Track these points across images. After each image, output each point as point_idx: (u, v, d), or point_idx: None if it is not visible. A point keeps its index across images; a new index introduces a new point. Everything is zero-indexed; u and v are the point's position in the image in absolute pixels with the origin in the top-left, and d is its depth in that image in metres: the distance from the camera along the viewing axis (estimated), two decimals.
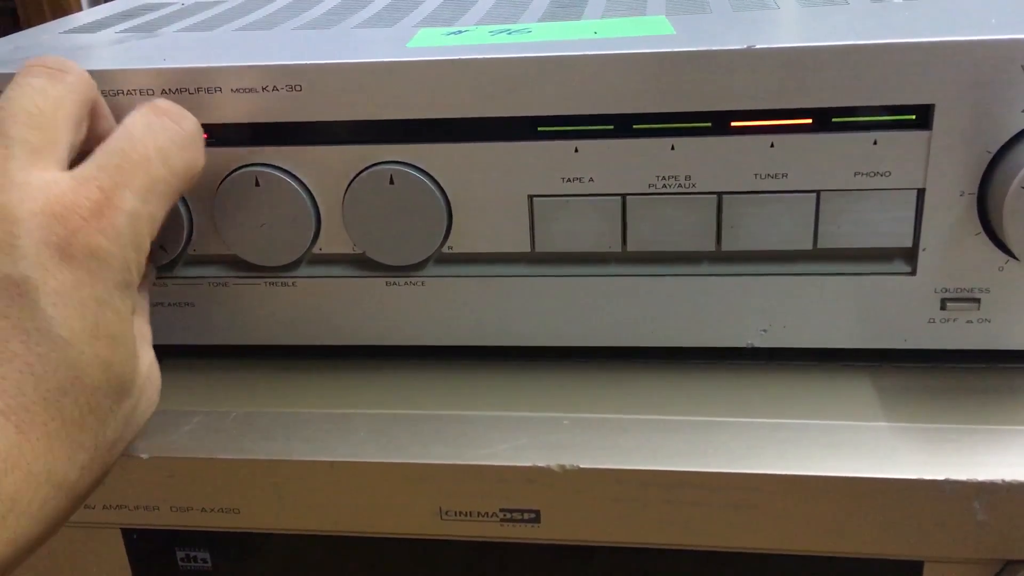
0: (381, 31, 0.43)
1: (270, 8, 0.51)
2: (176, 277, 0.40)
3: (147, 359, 0.33)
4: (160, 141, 0.32)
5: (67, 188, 0.29)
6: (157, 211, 0.31)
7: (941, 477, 0.31)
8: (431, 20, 0.45)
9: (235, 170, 0.37)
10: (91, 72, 0.37)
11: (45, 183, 0.29)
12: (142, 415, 0.32)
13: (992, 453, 0.32)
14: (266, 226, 0.38)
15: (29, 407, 0.27)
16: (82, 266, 0.28)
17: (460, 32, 0.41)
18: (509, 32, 0.40)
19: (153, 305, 0.40)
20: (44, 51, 0.42)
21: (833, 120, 0.34)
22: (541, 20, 0.44)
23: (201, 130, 0.34)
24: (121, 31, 0.47)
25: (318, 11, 0.49)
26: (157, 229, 0.32)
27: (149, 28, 0.47)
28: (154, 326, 0.40)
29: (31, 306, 0.27)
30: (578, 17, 0.44)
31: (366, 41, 0.41)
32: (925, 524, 0.32)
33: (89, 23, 0.50)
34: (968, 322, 0.36)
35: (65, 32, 0.47)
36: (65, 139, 0.31)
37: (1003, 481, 0.31)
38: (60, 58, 0.33)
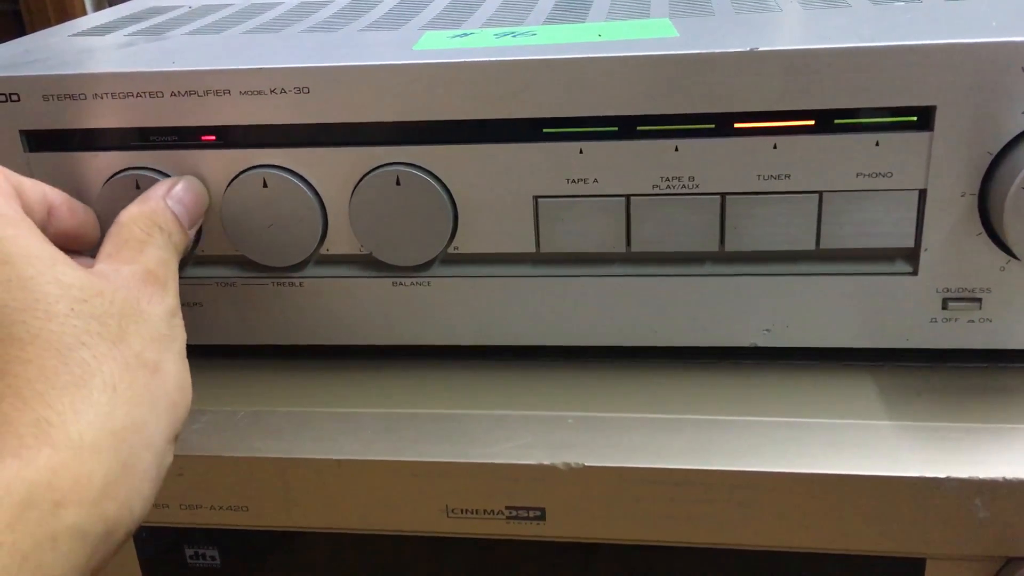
0: (387, 34, 0.43)
1: (277, 11, 0.52)
2: (185, 277, 0.40)
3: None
4: None
5: None
6: None
7: (943, 475, 0.32)
8: (437, 23, 0.46)
9: (243, 172, 0.38)
10: (102, 75, 0.37)
11: None
12: (137, 310, 0.31)
13: (993, 451, 0.33)
14: (273, 227, 0.38)
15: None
16: None
17: (466, 35, 0.42)
18: (514, 34, 0.41)
19: None
20: (53, 55, 0.42)
21: (835, 121, 0.35)
22: (546, 23, 0.44)
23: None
24: (129, 34, 0.47)
25: (324, 14, 0.50)
26: None
27: (157, 31, 0.48)
28: None
29: (19, 279, 0.28)
30: (582, 20, 0.44)
31: (372, 44, 0.41)
32: (927, 522, 0.32)
33: (97, 26, 0.50)
34: (970, 322, 0.36)
35: (74, 35, 0.48)
36: None
37: (1004, 479, 0.31)
38: None
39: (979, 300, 0.36)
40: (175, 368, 0.31)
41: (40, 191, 0.35)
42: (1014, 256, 0.34)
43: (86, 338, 0.29)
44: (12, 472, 0.25)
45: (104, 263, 0.33)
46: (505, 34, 0.41)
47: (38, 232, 0.31)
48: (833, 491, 0.33)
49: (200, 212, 0.38)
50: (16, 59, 0.42)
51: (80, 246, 0.36)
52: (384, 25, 0.46)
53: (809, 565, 0.35)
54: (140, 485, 0.28)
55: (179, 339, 0.33)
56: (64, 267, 0.30)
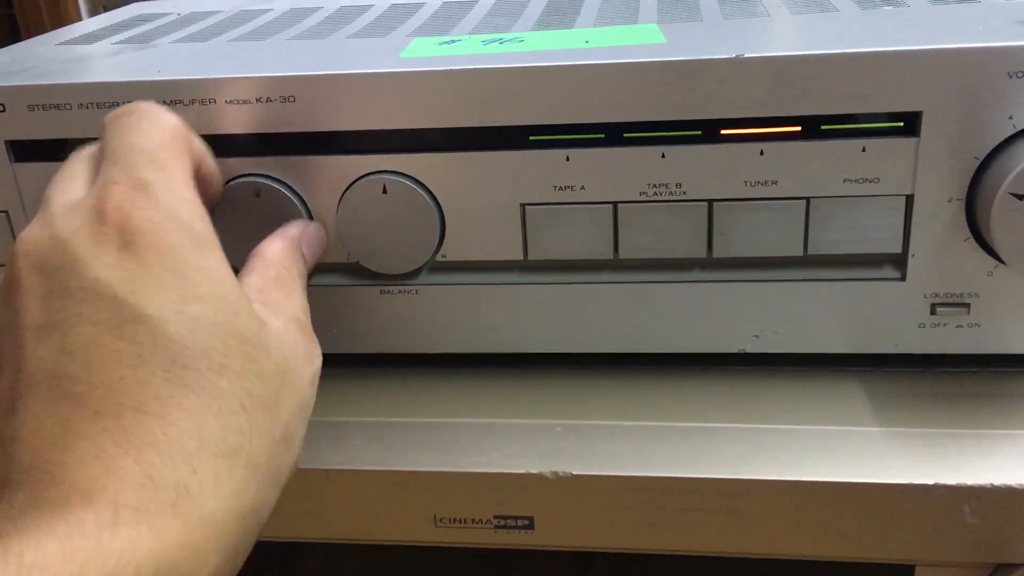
0: (375, 41, 0.43)
1: (265, 18, 0.52)
2: None
3: (279, 320, 0.31)
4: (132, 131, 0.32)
5: (93, 197, 0.29)
6: (171, 180, 0.30)
7: (931, 481, 0.32)
8: (425, 29, 0.46)
9: (230, 181, 0.38)
10: (88, 85, 0.37)
11: (74, 202, 0.29)
12: (296, 372, 0.30)
13: (982, 457, 0.33)
14: (261, 236, 0.38)
15: (159, 394, 0.26)
16: (135, 250, 0.28)
17: (453, 41, 0.42)
18: (501, 41, 0.41)
19: None
20: (40, 64, 0.42)
21: (822, 128, 0.35)
22: (534, 28, 0.44)
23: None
24: (116, 42, 0.47)
25: (312, 21, 0.50)
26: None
27: (144, 39, 0.48)
28: None
29: (114, 302, 0.27)
30: (571, 25, 0.44)
31: (359, 51, 0.41)
32: (916, 528, 0.32)
33: (85, 34, 0.50)
34: (958, 327, 0.36)
35: (61, 44, 0.48)
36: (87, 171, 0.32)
37: (992, 485, 0.31)
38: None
39: (967, 305, 0.36)
40: (302, 441, 0.30)
41: (213, 168, 0.34)
42: (1001, 261, 0.34)
43: (248, 402, 0.27)
44: (145, 549, 0.24)
45: (257, 302, 0.31)
46: (493, 40, 0.41)
47: (227, 263, 0.30)
48: (822, 498, 0.32)
49: (316, 260, 0.36)
50: (2, 68, 0.42)
51: None
52: (372, 32, 0.46)
53: (798, 572, 0.34)
54: (239, 563, 0.27)
55: (312, 406, 0.31)
56: (247, 316, 0.29)
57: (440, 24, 0.47)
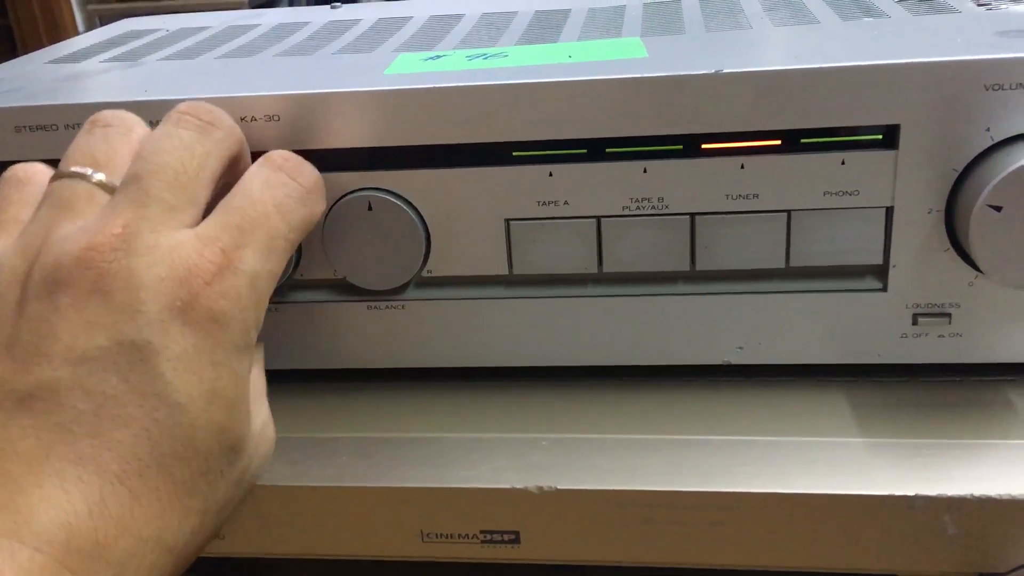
0: (361, 57, 0.44)
1: (252, 35, 0.52)
2: None
3: (261, 416, 0.32)
4: (278, 197, 0.32)
5: (192, 251, 0.29)
6: (276, 268, 0.31)
7: (911, 493, 0.32)
8: (411, 45, 0.46)
9: None
10: (74, 106, 0.38)
11: (172, 246, 0.29)
12: (253, 475, 0.32)
13: (962, 467, 0.33)
14: None
15: (143, 472, 0.27)
16: (202, 330, 0.28)
17: (438, 57, 0.42)
18: (485, 57, 0.41)
19: None
20: (28, 84, 0.42)
21: (802, 141, 0.35)
22: (519, 42, 0.44)
23: (320, 180, 0.34)
24: (105, 60, 0.47)
25: (299, 37, 0.50)
26: (275, 284, 0.31)
27: (133, 57, 0.48)
28: None
29: (151, 371, 0.27)
30: (555, 39, 0.44)
31: (344, 69, 0.42)
32: (897, 539, 0.32)
33: (74, 52, 0.50)
34: (940, 336, 0.37)
35: (50, 62, 0.48)
36: (203, 198, 0.31)
37: (972, 496, 0.31)
38: (211, 108, 0.33)
39: (948, 315, 0.36)
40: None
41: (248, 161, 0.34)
42: (981, 271, 0.34)
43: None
44: None
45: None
46: (477, 56, 0.41)
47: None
48: (805, 510, 0.33)
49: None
50: None
51: None
52: (358, 48, 0.46)
53: None
54: None
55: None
56: (265, 441, 0.32)
57: (425, 40, 0.47)
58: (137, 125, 0.33)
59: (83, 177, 0.31)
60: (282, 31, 0.52)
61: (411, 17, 0.54)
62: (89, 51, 0.50)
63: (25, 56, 0.51)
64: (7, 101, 0.38)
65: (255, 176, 0.32)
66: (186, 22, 0.57)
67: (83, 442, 0.26)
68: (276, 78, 0.41)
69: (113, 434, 0.27)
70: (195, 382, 0.28)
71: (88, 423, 0.27)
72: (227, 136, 0.32)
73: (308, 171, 0.34)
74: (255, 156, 0.37)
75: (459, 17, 0.53)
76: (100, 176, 0.31)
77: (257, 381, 0.33)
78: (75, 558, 0.25)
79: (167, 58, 0.47)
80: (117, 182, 0.31)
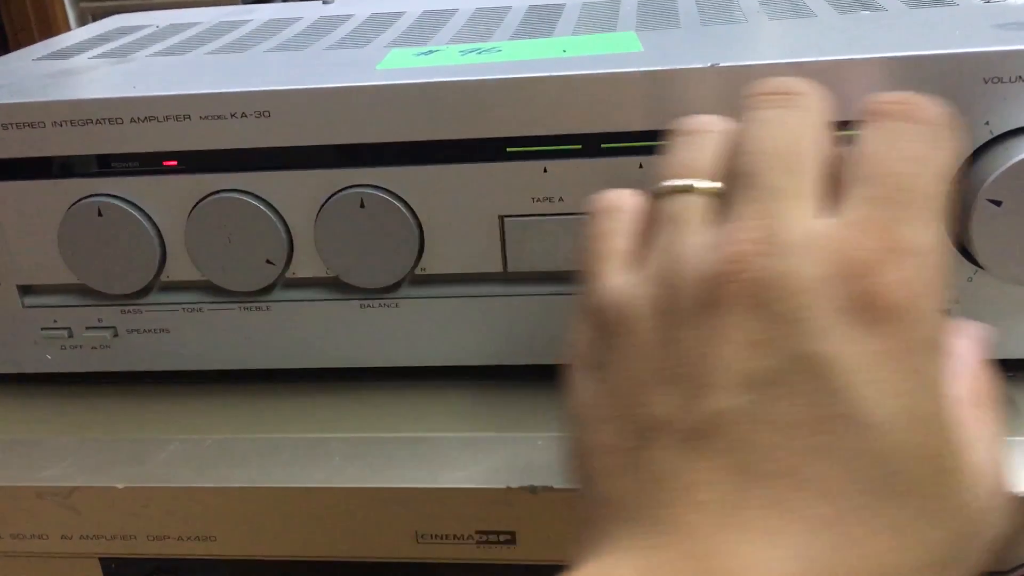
0: (353, 52, 0.43)
1: (244, 30, 0.51)
2: (150, 304, 0.40)
3: (979, 431, 0.25)
4: (911, 150, 0.26)
5: (843, 240, 0.24)
6: (941, 234, 0.25)
7: None
8: (403, 40, 0.45)
9: (206, 196, 0.37)
10: (61, 103, 0.37)
11: (819, 239, 0.24)
12: (984, 518, 0.25)
13: None
14: (238, 252, 0.38)
15: (846, 512, 0.22)
16: (881, 331, 0.23)
17: (431, 52, 0.41)
18: (479, 51, 0.41)
19: (128, 332, 0.40)
20: (15, 81, 0.42)
21: None
22: (513, 37, 0.44)
23: (942, 109, 0.27)
24: (94, 57, 0.47)
25: (290, 33, 0.49)
26: (946, 254, 0.25)
27: (122, 53, 0.47)
28: (129, 353, 0.41)
29: (832, 388, 0.23)
30: (550, 34, 0.44)
31: (336, 64, 0.41)
32: None
33: (62, 49, 0.50)
34: None
35: (39, 59, 0.47)
36: (815, 174, 0.26)
37: None
38: (784, 80, 0.28)
39: (948, 311, 0.36)
40: None
41: None
42: (980, 266, 0.34)
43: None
44: None
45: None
46: (471, 51, 0.41)
47: None
48: None
49: None
50: None
51: None
52: (351, 43, 0.45)
53: None
54: None
55: None
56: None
57: (418, 35, 0.47)
58: (718, 123, 0.29)
59: (687, 190, 0.27)
60: (273, 27, 0.52)
61: (404, 12, 0.53)
62: (78, 48, 0.50)
63: (13, 53, 0.50)
64: None
65: (872, 136, 0.26)
66: (177, 18, 0.57)
67: (775, 483, 0.22)
68: (266, 74, 0.40)
69: (805, 471, 0.22)
70: (884, 395, 0.23)
71: (775, 459, 0.22)
72: (816, 101, 0.28)
73: (925, 106, 0.27)
74: (254, 151, 0.36)
75: (452, 12, 0.52)
76: (703, 184, 0.27)
77: (972, 382, 0.27)
78: None
79: (157, 54, 0.46)
80: (721, 186, 0.27)
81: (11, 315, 0.41)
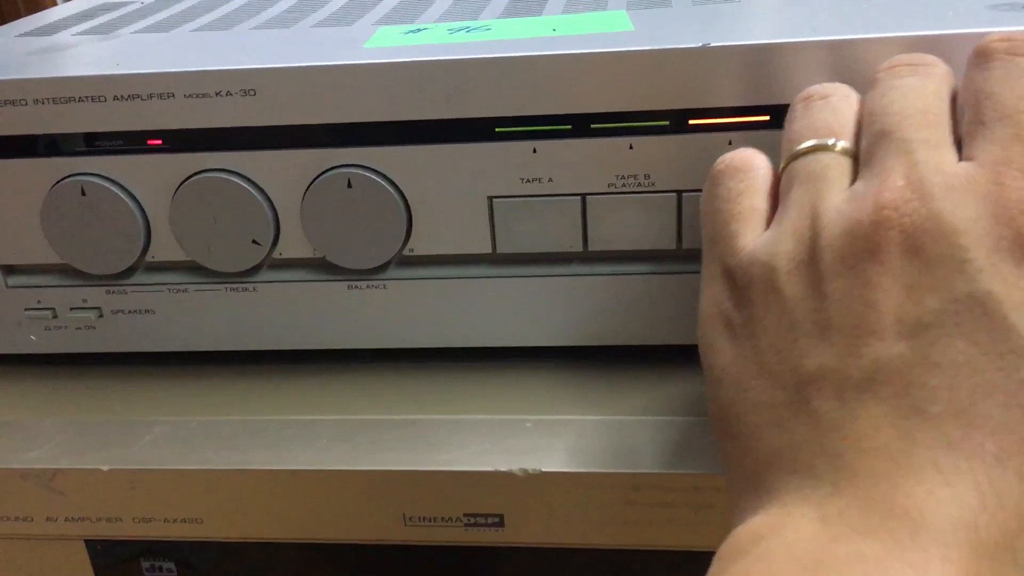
0: (340, 30, 0.43)
1: (229, 6, 0.51)
2: (135, 284, 0.39)
3: None
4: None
5: (989, 181, 0.24)
6: None
7: None
8: (391, 18, 0.45)
9: (190, 176, 0.37)
10: (42, 80, 0.36)
11: (965, 182, 0.25)
12: None
13: None
14: (224, 232, 0.37)
15: (1022, 448, 0.22)
16: None
17: (419, 30, 0.41)
18: (468, 30, 0.40)
19: (113, 313, 0.40)
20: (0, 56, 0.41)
21: None
22: (503, 16, 0.43)
23: None
24: (77, 33, 0.46)
25: (277, 9, 0.49)
26: None
27: (106, 30, 0.47)
28: (114, 334, 0.40)
29: (999, 325, 0.23)
30: (540, 12, 0.43)
31: (323, 41, 0.40)
32: None
33: (45, 25, 0.49)
34: None
35: (20, 35, 0.47)
36: (950, 128, 0.27)
37: None
38: (915, 54, 0.30)
39: None
40: None
41: None
42: None
43: None
44: None
45: None
46: (459, 29, 0.40)
47: None
48: None
49: None
50: None
51: None
52: (337, 21, 0.45)
53: None
54: None
55: None
56: None
57: (407, 12, 0.46)
58: (852, 92, 0.30)
59: (825, 148, 0.28)
60: (260, 3, 0.51)
61: None
62: (62, 23, 0.49)
63: None
64: None
65: (986, 77, 0.27)
66: None
67: (947, 424, 0.23)
68: (252, 52, 0.40)
69: (977, 408, 0.22)
70: None
71: (946, 400, 0.23)
72: (946, 72, 0.29)
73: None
74: (239, 130, 0.36)
75: None
76: (842, 143, 0.28)
77: None
78: (980, 562, 0.21)
79: (141, 31, 0.46)
80: (855, 147, 0.28)
81: None
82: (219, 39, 0.42)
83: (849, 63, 0.33)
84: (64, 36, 0.46)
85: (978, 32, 0.32)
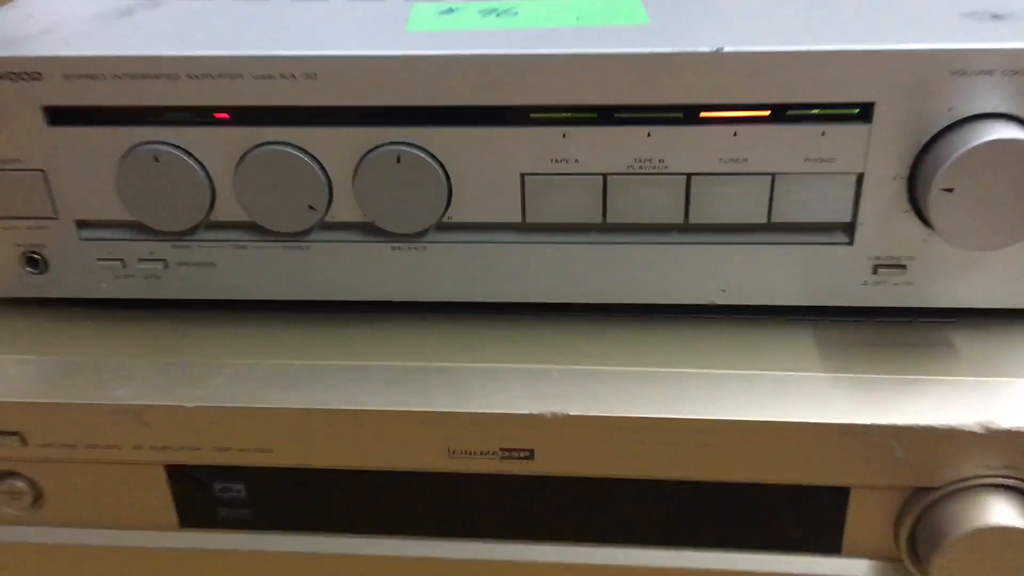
0: (376, 6, 0.47)
1: None
2: (199, 240, 0.44)
3: None
4: None
5: None
6: None
7: (868, 422, 0.38)
8: None
9: (254, 148, 0.41)
10: (120, 58, 0.40)
11: None
12: None
13: (910, 400, 0.39)
14: (283, 197, 0.42)
15: None
16: None
17: (451, 11, 0.45)
18: (498, 13, 0.45)
19: (178, 264, 0.45)
20: (64, 27, 0.45)
21: (787, 113, 0.39)
22: None
23: None
24: None
25: None
26: None
27: None
28: (180, 284, 0.45)
29: None
30: None
31: (368, 22, 0.45)
32: (853, 459, 0.39)
33: None
34: (895, 284, 0.42)
35: None
36: None
37: (917, 425, 0.38)
38: None
39: (904, 267, 0.42)
40: None
41: None
42: (934, 230, 0.40)
43: None
44: None
45: None
46: (489, 12, 0.45)
47: None
48: (776, 435, 0.39)
49: None
50: (25, 30, 0.44)
51: None
52: None
53: (757, 493, 0.41)
54: None
55: None
56: None
57: None
58: None
59: None
60: None
61: None
62: None
63: None
64: (56, 50, 0.41)
65: None
66: None
67: None
68: (304, 31, 0.44)
69: None
70: None
71: None
72: None
73: None
74: (300, 108, 0.40)
75: None
76: None
77: None
78: None
79: None
80: None
81: (68, 246, 0.45)
82: (266, 13, 0.46)
83: (841, 71, 0.38)
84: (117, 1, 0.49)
85: (952, 48, 0.37)
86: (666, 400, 0.40)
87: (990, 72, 0.38)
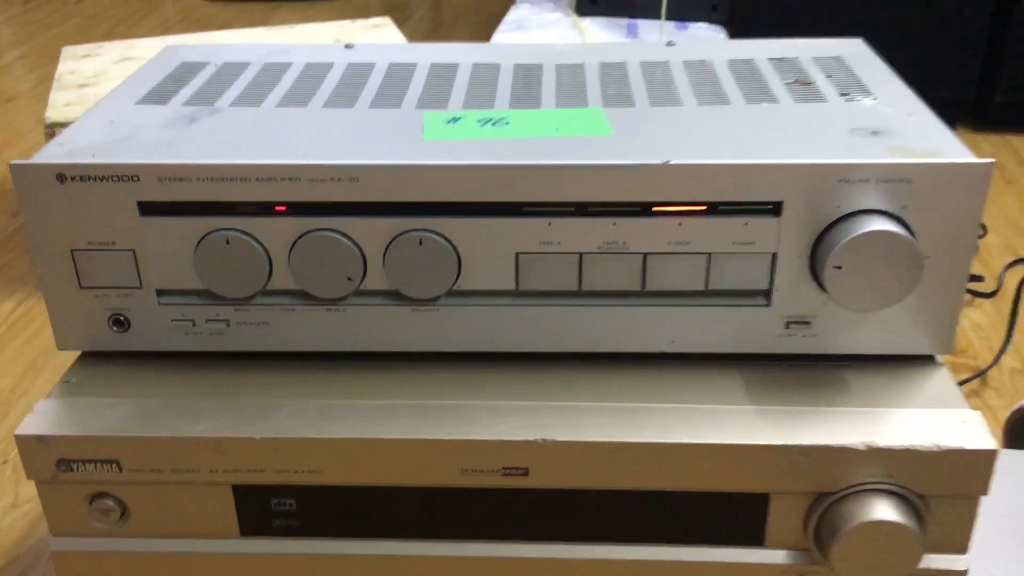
0: (393, 113, 0.58)
1: (291, 76, 0.65)
2: (256, 304, 0.55)
3: None
4: None
5: None
6: None
7: (782, 443, 0.50)
8: (426, 100, 0.61)
9: (306, 233, 0.53)
10: (204, 166, 0.51)
11: None
12: None
13: (814, 426, 0.51)
14: (327, 271, 0.54)
15: None
16: None
17: (456, 120, 0.57)
18: (493, 123, 0.57)
19: (238, 324, 0.56)
20: (140, 128, 0.56)
21: (719, 208, 0.52)
22: (513, 106, 0.60)
23: None
24: (185, 103, 0.60)
25: (331, 83, 0.64)
26: None
27: (205, 100, 0.61)
28: (239, 339, 0.56)
29: None
30: (537, 104, 0.60)
31: (389, 129, 0.56)
32: (772, 471, 0.51)
33: (152, 91, 0.63)
34: (803, 336, 0.55)
35: (138, 103, 0.61)
36: None
37: (819, 445, 0.50)
38: None
39: (809, 323, 0.54)
40: None
41: None
42: (830, 296, 0.52)
43: None
44: None
45: None
46: (486, 121, 0.57)
47: None
48: (713, 453, 0.51)
49: None
50: (113, 135, 0.55)
51: None
52: (386, 102, 0.60)
53: (697, 499, 0.53)
54: None
55: None
56: None
57: (436, 95, 0.62)
58: None
59: None
60: (314, 73, 0.66)
61: (415, 64, 0.68)
62: (162, 91, 0.63)
63: (113, 93, 0.63)
64: (151, 157, 0.52)
65: None
66: (225, 55, 0.70)
67: None
68: (342, 138, 0.55)
69: None
70: None
71: None
72: None
73: None
74: (340, 206, 0.52)
75: (455, 67, 0.67)
76: None
77: None
78: None
79: (235, 104, 0.60)
80: None
81: (149, 309, 0.56)
82: (305, 120, 0.58)
83: (758, 178, 0.50)
84: (176, 107, 0.60)
85: (839, 164, 0.50)
86: (630, 428, 0.52)
87: (867, 180, 0.50)
